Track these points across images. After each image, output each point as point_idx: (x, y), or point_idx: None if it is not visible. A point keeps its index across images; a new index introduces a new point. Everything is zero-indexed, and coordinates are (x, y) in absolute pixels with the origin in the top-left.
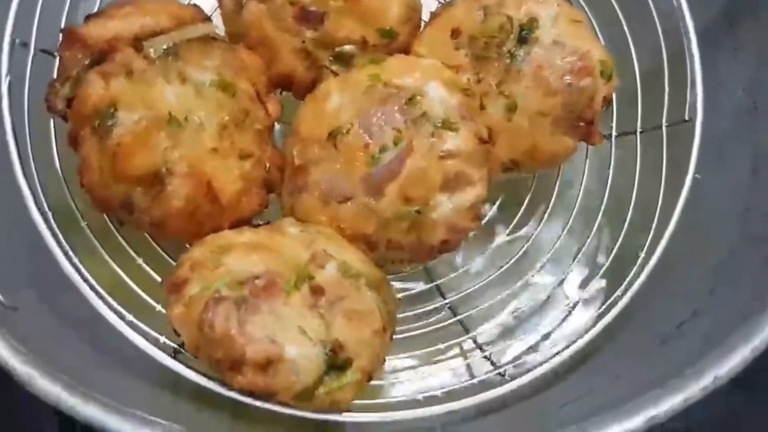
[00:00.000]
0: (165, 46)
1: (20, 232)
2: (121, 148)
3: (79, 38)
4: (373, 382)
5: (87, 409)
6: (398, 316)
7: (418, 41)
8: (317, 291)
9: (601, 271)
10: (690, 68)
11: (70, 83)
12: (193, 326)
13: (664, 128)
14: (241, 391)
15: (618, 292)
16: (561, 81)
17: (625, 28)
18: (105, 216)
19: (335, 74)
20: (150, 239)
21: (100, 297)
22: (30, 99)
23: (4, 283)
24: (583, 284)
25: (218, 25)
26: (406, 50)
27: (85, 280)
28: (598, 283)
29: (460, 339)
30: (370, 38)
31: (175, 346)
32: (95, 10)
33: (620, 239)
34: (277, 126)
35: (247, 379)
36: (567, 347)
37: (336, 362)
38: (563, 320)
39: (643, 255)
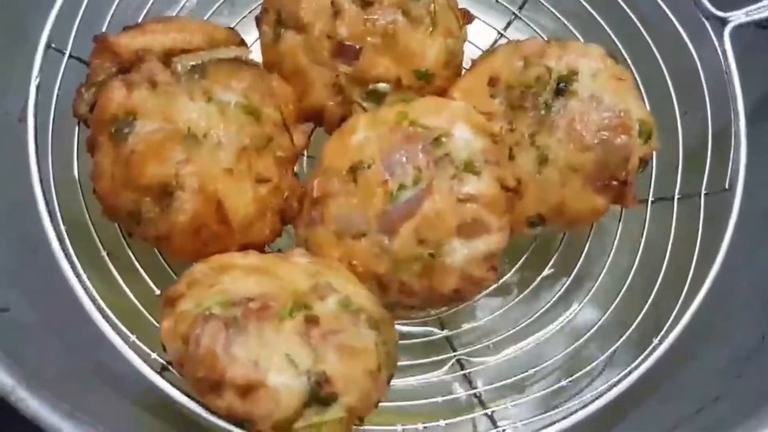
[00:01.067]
0: (193, 63)
1: (23, 233)
2: (134, 157)
3: (109, 46)
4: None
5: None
6: (403, 363)
7: (454, 87)
8: (312, 321)
9: (619, 342)
10: (735, 138)
11: (94, 89)
12: (180, 342)
13: (702, 196)
14: (219, 415)
15: (633, 365)
16: (595, 136)
17: (672, 91)
18: (117, 226)
19: (366, 111)
20: (158, 254)
21: (98, 308)
22: (58, 104)
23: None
24: (601, 351)
25: (254, 52)
26: (442, 94)
27: (86, 290)
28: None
29: (464, 393)
30: (405, 78)
31: (163, 362)
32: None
33: (643, 310)
34: (305, 160)
35: (225, 402)
36: (571, 414)
37: (319, 395)
38: (581, 389)
39: (663, 331)
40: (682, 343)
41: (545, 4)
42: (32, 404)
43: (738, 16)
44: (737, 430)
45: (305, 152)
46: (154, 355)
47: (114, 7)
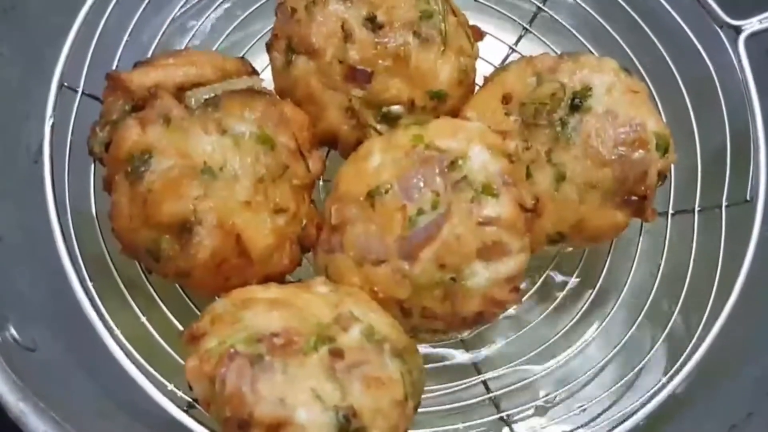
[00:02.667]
0: (206, 97)
1: (47, 273)
2: (152, 195)
3: (121, 84)
4: None
5: None
6: (427, 387)
7: (468, 105)
8: (336, 354)
9: (645, 359)
10: (754, 148)
11: (108, 128)
12: (206, 381)
13: (723, 208)
14: None
15: (661, 382)
16: (612, 152)
17: (689, 103)
18: (137, 263)
19: (380, 134)
20: (179, 289)
21: (120, 345)
22: (73, 142)
23: (24, 322)
24: (626, 368)
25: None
26: (456, 113)
27: (107, 327)
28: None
29: (491, 417)
30: (419, 100)
31: (189, 399)
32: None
33: (668, 327)
34: (321, 185)
35: None
36: None
37: (348, 430)
38: (607, 408)
39: (690, 346)
40: (710, 358)
41: (556, 17)
42: None
43: (752, 24)
44: None
45: (321, 177)
46: (180, 393)
47: (124, 42)
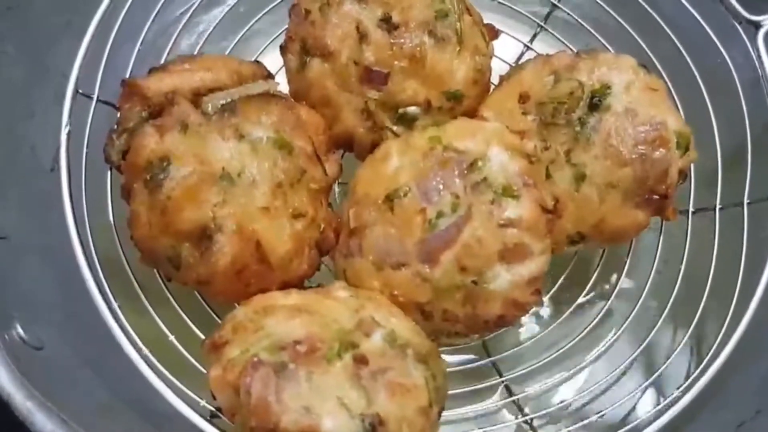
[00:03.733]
0: (223, 102)
1: (54, 272)
2: (171, 202)
3: (137, 91)
4: None
5: None
6: (449, 392)
7: (484, 105)
8: (360, 360)
9: (668, 361)
10: None
11: (125, 135)
12: (230, 390)
13: (745, 205)
14: None
15: (683, 386)
16: (633, 151)
17: (707, 100)
18: (155, 271)
19: (397, 136)
20: (199, 296)
21: (139, 352)
22: (89, 149)
23: (30, 321)
24: (649, 370)
25: (281, 83)
26: (472, 113)
27: (127, 335)
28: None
29: (515, 421)
30: (435, 100)
31: (213, 409)
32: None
33: (691, 327)
34: (336, 188)
35: None
36: None
37: None
38: (631, 410)
39: (714, 347)
40: (727, 358)
41: (571, 14)
42: None
43: None
44: None
45: (337, 180)
46: (203, 403)
47: (137, 47)
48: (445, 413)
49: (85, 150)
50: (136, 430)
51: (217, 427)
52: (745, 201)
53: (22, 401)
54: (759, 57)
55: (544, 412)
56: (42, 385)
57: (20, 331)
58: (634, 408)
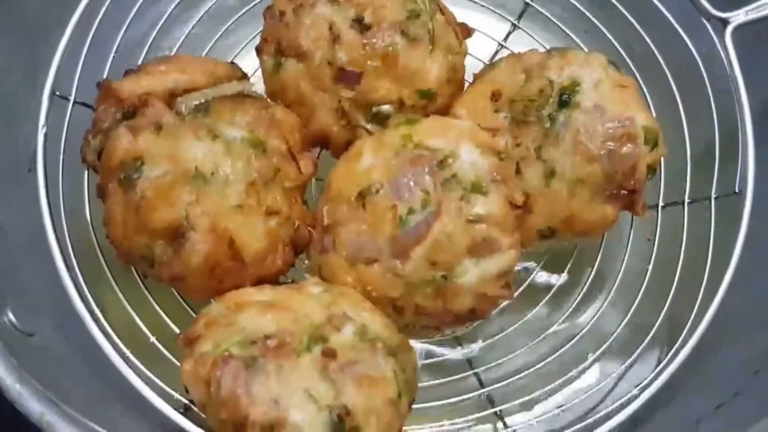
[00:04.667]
0: (196, 103)
1: (45, 261)
2: (144, 202)
3: (113, 92)
4: None
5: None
6: (421, 384)
7: (457, 103)
8: (329, 354)
9: (639, 349)
10: (742, 140)
11: (101, 136)
12: (202, 384)
13: (712, 200)
14: None
15: (654, 372)
16: (601, 147)
17: (677, 97)
18: (132, 268)
19: (371, 134)
20: (175, 292)
21: (114, 345)
22: (66, 150)
23: (22, 307)
24: (620, 357)
25: (256, 84)
26: (445, 111)
27: (103, 332)
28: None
29: (485, 412)
30: (408, 99)
31: (186, 401)
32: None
33: (660, 317)
34: (314, 183)
35: None
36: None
37: (342, 429)
38: (601, 401)
39: (684, 334)
40: (700, 341)
41: (544, 12)
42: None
43: (738, 16)
44: (758, 425)
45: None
46: (176, 396)
47: (115, 48)
48: (415, 405)
49: (62, 150)
50: (126, 416)
51: (191, 420)
52: (713, 196)
53: (12, 385)
54: (727, 53)
55: (513, 403)
56: (33, 370)
57: (11, 317)
58: (603, 399)
